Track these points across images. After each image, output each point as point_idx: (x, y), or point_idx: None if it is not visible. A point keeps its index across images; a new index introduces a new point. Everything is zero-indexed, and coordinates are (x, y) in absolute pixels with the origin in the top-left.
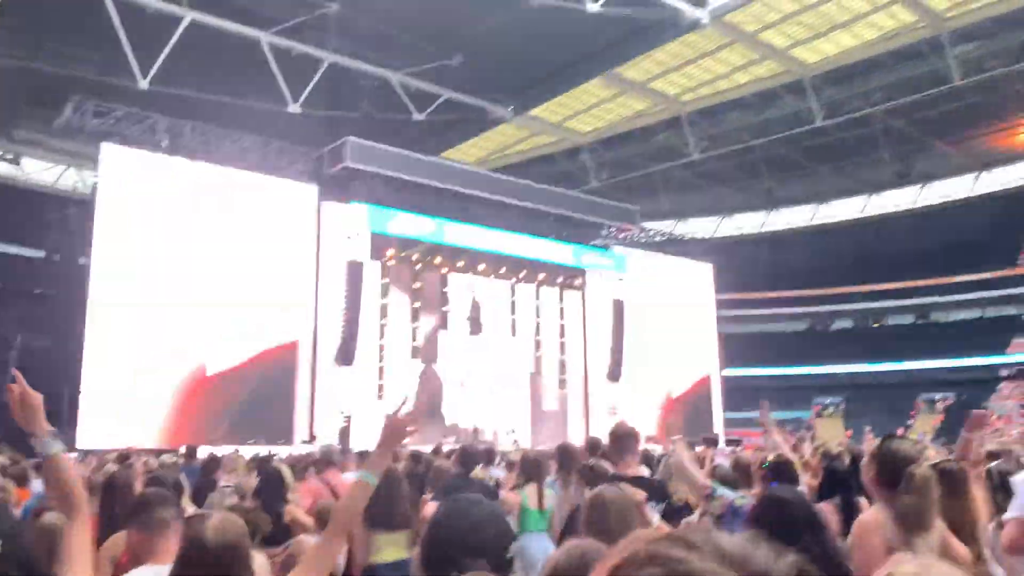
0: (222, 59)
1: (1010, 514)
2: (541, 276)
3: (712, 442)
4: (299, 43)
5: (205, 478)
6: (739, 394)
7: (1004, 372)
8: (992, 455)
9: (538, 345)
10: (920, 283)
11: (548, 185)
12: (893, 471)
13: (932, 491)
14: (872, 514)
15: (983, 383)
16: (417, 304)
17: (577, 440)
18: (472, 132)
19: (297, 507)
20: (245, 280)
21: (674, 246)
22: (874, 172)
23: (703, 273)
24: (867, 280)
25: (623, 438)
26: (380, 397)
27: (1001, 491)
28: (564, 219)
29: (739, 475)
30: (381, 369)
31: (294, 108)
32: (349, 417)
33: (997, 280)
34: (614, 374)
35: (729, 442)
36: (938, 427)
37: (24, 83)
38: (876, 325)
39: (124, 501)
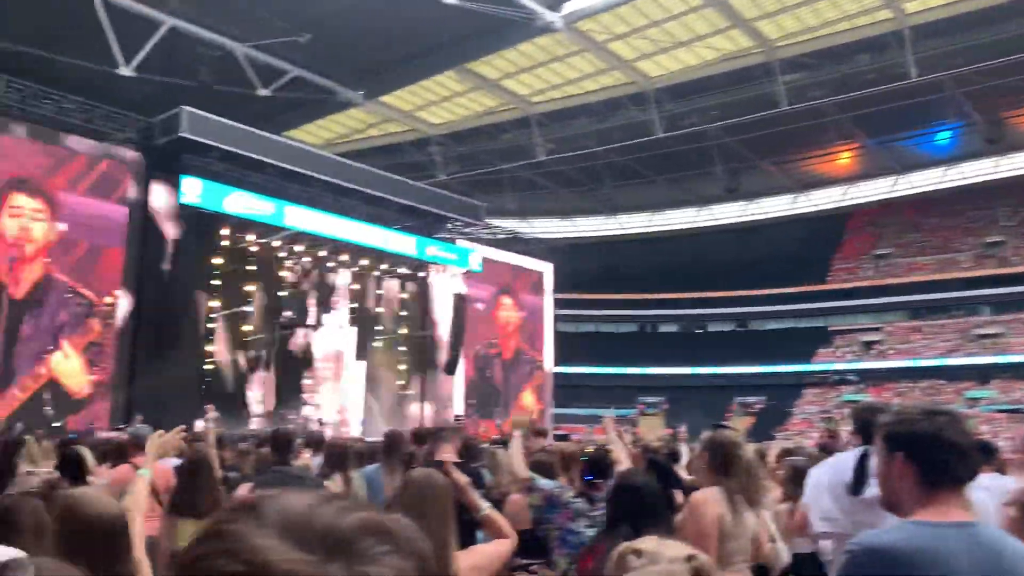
0: (47, 11)
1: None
2: (383, 266)
3: (542, 434)
4: (136, 3)
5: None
6: (569, 391)
7: (808, 380)
8: (787, 452)
9: (376, 335)
10: (740, 293)
11: (395, 175)
12: (722, 456)
13: (756, 473)
14: (703, 493)
15: (790, 389)
16: (252, 287)
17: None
18: (320, 113)
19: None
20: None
21: (517, 244)
22: (706, 186)
23: (543, 272)
24: (693, 288)
25: (442, 429)
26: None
27: (791, 482)
28: (409, 210)
29: (560, 464)
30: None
31: (126, 71)
32: None
33: (808, 294)
34: (451, 367)
35: (557, 437)
36: (750, 428)
37: None
38: (699, 331)
39: None
